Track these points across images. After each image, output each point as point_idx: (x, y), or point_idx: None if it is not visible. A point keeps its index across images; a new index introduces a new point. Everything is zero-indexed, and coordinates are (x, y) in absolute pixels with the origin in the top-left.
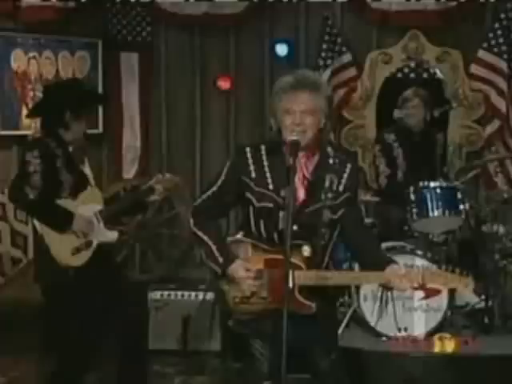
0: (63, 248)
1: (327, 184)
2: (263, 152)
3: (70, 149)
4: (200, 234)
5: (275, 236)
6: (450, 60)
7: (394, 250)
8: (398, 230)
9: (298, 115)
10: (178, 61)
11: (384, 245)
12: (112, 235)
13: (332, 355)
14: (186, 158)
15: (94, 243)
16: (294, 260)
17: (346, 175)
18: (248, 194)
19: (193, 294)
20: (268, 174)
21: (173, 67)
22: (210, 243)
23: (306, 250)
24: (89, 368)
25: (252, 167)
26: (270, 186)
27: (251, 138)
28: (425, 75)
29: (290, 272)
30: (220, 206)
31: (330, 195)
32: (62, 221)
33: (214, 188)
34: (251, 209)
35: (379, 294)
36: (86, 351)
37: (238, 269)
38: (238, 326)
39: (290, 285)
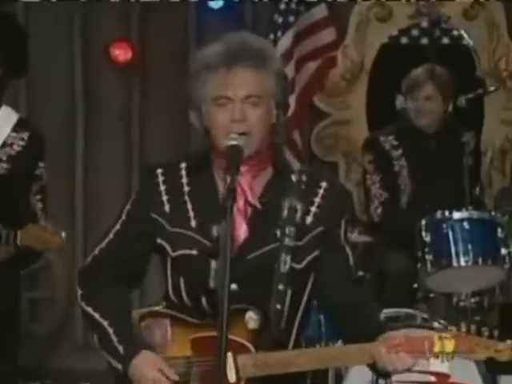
0: None
1: (285, 213)
2: (183, 172)
3: None
4: (89, 310)
5: (203, 301)
6: (484, 16)
7: (396, 320)
8: (402, 289)
9: (237, 106)
10: (48, 18)
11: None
12: None
13: None
14: (61, 171)
15: None
16: (234, 337)
17: (318, 199)
18: (160, 240)
19: None
20: (189, 206)
21: (39, 28)
22: (105, 324)
23: (253, 319)
24: None
25: (165, 197)
26: (193, 223)
27: (166, 143)
28: (445, 41)
29: (231, 358)
30: (123, 264)
31: (290, 230)
32: None
33: (111, 235)
34: (168, 262)
35: None
36: None
37: (142, 369)
38: None
39: (232, 380)
